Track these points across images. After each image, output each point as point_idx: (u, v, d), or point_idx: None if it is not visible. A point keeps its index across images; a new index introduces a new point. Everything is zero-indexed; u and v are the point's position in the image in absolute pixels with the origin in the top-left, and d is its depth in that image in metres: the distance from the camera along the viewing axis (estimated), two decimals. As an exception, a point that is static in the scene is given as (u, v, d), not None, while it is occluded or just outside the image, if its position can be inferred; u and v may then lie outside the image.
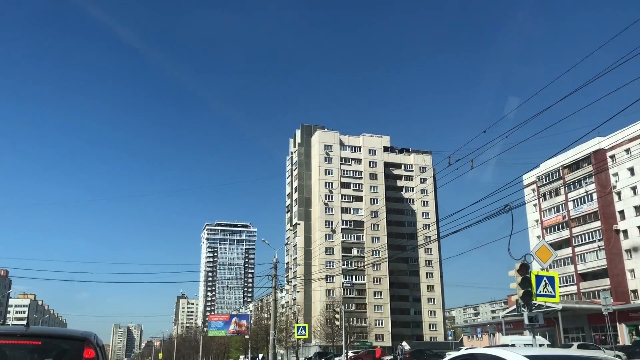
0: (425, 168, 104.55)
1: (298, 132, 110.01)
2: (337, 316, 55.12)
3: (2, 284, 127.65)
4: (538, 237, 73.05)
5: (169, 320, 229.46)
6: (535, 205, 78.50)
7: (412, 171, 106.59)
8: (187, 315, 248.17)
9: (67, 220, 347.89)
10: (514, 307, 50.44)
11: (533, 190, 77.60)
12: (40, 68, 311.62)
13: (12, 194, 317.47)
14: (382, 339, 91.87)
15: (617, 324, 54.24)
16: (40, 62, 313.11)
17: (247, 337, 79.14)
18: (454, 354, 7.57)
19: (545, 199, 77.51)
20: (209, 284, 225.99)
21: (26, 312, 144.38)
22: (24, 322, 5.34)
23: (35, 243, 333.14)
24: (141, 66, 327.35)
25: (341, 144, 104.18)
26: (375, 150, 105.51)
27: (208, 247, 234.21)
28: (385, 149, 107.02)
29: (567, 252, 72.76)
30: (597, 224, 69.66)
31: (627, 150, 64.37)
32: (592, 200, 70.43)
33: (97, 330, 6.06)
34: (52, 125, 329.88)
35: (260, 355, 77.34)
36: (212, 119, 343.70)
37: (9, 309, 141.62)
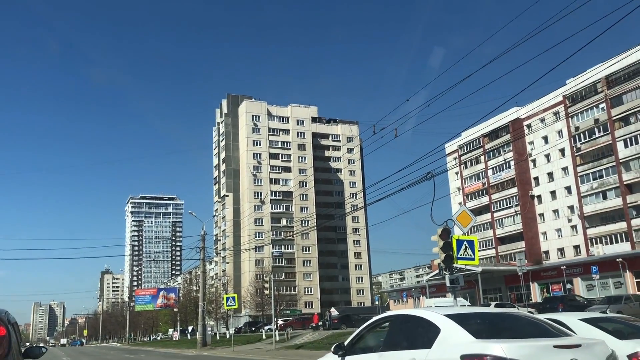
0: (352, 138, 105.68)
1: (224, 102, 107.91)
2: (267, 285, 55.29)
3: None
4: (460, 203, 75.85)
5: (94, 297, 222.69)
6: (457, 173, 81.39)
7: (340, 141, 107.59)
8: (113, 291, 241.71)
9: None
10: (437, 271, 52.40)
11: (455, 158, 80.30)
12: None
13: None
14: (312, 306, 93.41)
15: (531, 283, 57.82)
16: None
17: (175, 310, 78.21)
18: (380, 315, 7.70)
19: (466, 167, 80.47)
20: (135, 258, 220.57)
21: None
22: None
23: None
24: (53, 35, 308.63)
25: (269, 114, 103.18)
26: (303, 121, 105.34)
27: (133, 220, 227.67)
28: (313, 120, 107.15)
29: (486, 217, 76.18)
30: (514, 190, 73.21)
31: (542, 120, 67.64)
32: (509, 167, 73.80)
33: (17, 310, 5.57)
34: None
35: (190, 328, 76.78)
36: (135, 88, 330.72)
37: None
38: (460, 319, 6.09)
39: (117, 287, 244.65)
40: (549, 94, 64.06)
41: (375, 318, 7.73)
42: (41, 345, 6.10)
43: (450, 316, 6.13)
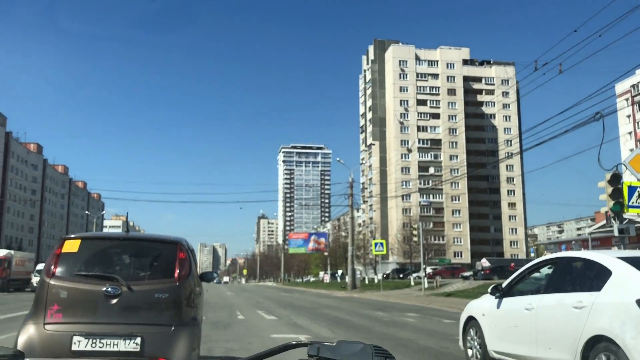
0: (507, 80, 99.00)
1: (371, 49, 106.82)
2: (415, 233, 55.15)
3: (96, 207, 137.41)
4: (631, 150, 68.44)
5: (251, 238, 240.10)
6: (628, 116, 73.16)
7: (494, 84, 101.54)
8: (268, 234, 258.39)
9: (154, 143, 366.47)
10: (602, 222, 48.16)
11: (627, 99, 71.99)
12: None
13: (103, 120, 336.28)
14: (461, 256, 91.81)
15: None
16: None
17: (325, 254, 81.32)
18: (542, 257, 7.26)
19: (640, 109, 71.91)
20: (287, 204, 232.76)
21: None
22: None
23: (123, 166, 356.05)
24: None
25: (417, 58, 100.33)
26: (453, 64, 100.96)
27: (285, 169, 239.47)
28: (465, 62, 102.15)
29: (663, 165, 67.98)
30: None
31: None
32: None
33: (185, 249, 6.22)
34: (145, 54, 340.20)
35: (340, 272, 79.58)
36: (283, 39, 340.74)
37: (103, 229, 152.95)
38: (635, 262, 5.59)
39: (272, 231, 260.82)
40: None
41: (537, 260, 7.42)
42: (213, 271, 7.06)
43: (624, 259, 5.71)
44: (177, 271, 5.17)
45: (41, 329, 4.75)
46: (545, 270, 7.17)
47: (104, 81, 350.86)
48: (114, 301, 4.83)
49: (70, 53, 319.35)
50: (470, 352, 7.79)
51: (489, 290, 7.44)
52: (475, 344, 7.62)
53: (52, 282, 4.93)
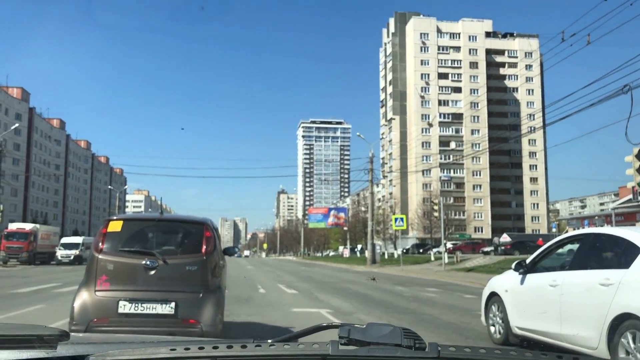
0: (531, 53, 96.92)
1: (391, 21, 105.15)
2: (435, 208, 54.88)
3: (118, 181, 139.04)
4: (658, 124, 66.76)
5: (271, 213, 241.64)
6: (656, 89, 71.24)
7: (517, 57, 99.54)
8: (288, 209, 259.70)
9: (176, 118, 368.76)
10: (627, 197, 47.35)
11: (655, 72, 70.02)
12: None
13: (125, 95, 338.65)
14: (482, 232, 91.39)
15: None
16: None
17: (345, 229, 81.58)
18: (568, 234, 7.11)
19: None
20: (307, 179, 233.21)
21: (142, 207, 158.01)
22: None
23: (145, 141, 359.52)
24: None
25: (438, 31, 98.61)
26: (475, 37, 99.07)
27: (304, 144, 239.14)
28: (487, 35, 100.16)
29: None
30: None
31: None
32: None
33: (206, 223, 6.79)
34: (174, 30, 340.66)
35: (359, 247, 79.85)
36: (304, 13, 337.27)
37: (126, 204, 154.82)
38: None
39: (292, 205, 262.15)
40: None
41: (562, 236, 7.31)
42: (234, 246, 7.89)
43: None
44: (204, 247, 6.01)
45: (93, 295, 5.70)
46: (570, 247, 7.05)
47: (125, 59, 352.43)
48: (152, 272, 5.74)
49: (93, 33, 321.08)
50: (492, 328, 7.76)
51: (513, 266, 7.37)
52: (498, 319, 7.58)
53: (100, 256, 5.83)
